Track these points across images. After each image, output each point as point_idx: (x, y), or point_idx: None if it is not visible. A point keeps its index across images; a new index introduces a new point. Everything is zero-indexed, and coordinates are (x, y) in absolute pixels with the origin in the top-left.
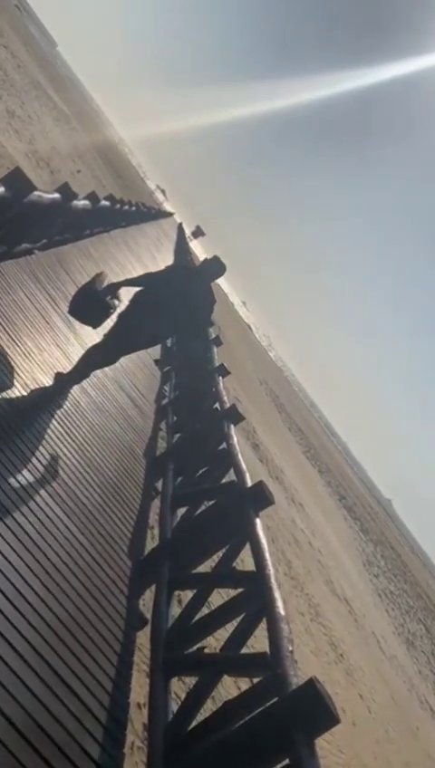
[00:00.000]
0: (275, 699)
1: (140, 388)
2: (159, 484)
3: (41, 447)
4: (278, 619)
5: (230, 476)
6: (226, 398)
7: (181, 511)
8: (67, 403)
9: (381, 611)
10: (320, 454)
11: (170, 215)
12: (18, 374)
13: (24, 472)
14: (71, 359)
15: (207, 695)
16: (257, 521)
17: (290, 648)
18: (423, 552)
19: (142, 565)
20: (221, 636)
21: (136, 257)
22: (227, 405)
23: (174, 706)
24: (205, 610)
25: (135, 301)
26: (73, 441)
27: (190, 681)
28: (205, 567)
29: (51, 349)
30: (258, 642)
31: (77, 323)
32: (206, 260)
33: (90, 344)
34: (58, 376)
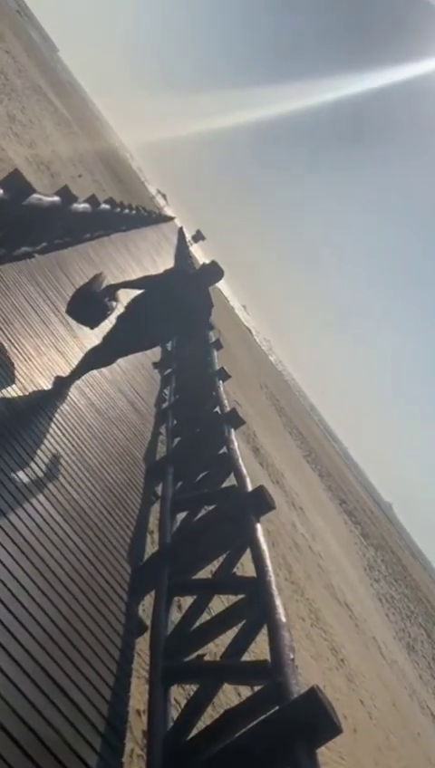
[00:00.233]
0: (277, 708)
1: (139, 391)
2: (159, 489)
3: (39, 451)
4: (279, 626)
5: (231, 481)
6: (226, 402)
7: (181, 515)
8: (66, 406)
9: (381, 616)
10: (320, 457)
11: (171, 219)
12: (17, 377)
13: (22, 475)
14: (70, 362)
15: (207, 703)
16: (258, 526)
17: (291, 656)
18: (424, 557)
19: (142, 570)
20: (222, 641)
21: (136, 261)
22: (228, 409)
23: (174, 713)
24: (205, 616)
25: (134, 303)
26: (72, 445)
27: (190, 687)
28: (205, 572)
29: (50, 352)
30: (258, 647)
31: (76, 326)
32: (204, 265)
33: (89, 347)
34: (57, 380)
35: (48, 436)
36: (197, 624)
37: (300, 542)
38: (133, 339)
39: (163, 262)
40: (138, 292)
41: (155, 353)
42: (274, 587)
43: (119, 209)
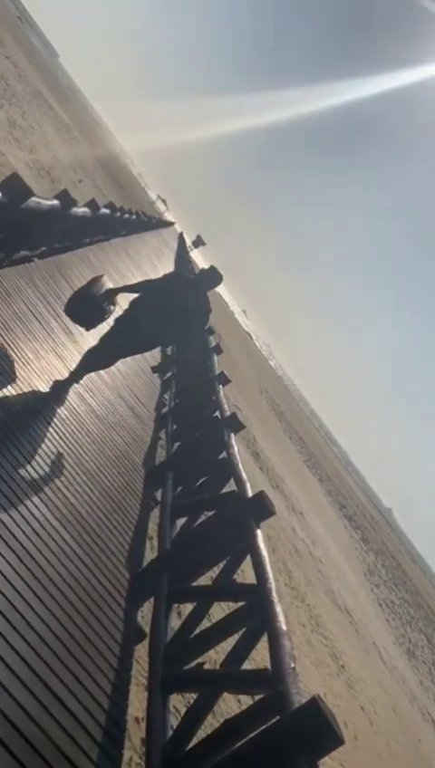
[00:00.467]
0: (277, 718)
1: (139, 396)
2: (159, 494)
3: (37, 455)
4: (280, 634)
5: (231, 486)
6: (226, 407)
7: (181, 521)
8: (64, 411)
9: (382, 621)
10: (320, 462)
11: (171, 224)
12: (16, 382)
13: (19, 480)
14: (69, 366)
15: (206, 712)
16: (258, 532)
17: (292, 665)
18: (424, 561)
19: (141, 577)
20: (222, 648)
21: (136, 266)
22: (228, 413)
23: (173, 721)
24: (205, 623)
25: (133, 306)
26: (71, 449)
27: (190, 695)
28: (205, 579)
29: (49, 356)
30: (259, 654)
31: (75, 330)
32: (203, 270)
33: (87, 349)
34: (56, 384)
35: (46, 440)
36: (196, 631)
37: (300, 547)
38: (132, 341)
39: (163, 267)
40: (137, 295)
41: (155, 358)
42: (274, 594)
43: (118, 214)
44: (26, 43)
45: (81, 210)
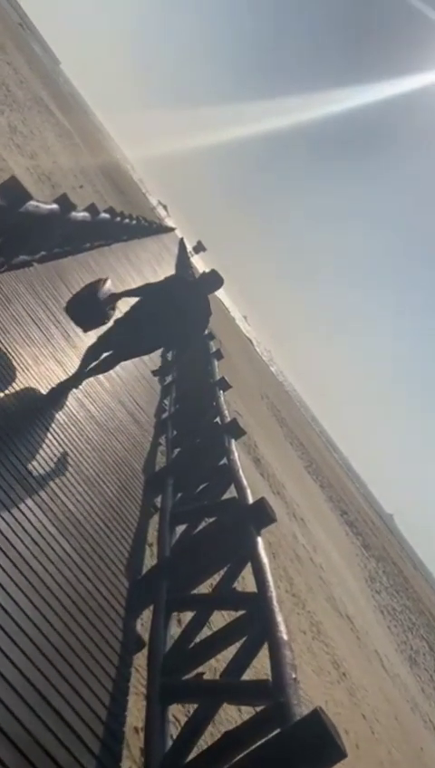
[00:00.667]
0: (278, 731)
1: (139, 401)
2: (158, 501)
3: (35, 462)
4: (280, 644)
5: (231, 492)
6: (226, 412)
7: (181, 528)
8: (63, 417)
9: (383, 628)
10: (321, 468)
11: (172, 230)
12: (15, 387)
13: (17, 487)
14: (68, 372)
15: (206, 723)
16: (259, 539)
17: (293, 676)
18: (425, 568)
19: (140, 585)
20: (223, 656)
21: (137, 271)
22: (228, 419)
23: (172, 729)
24: (205, 631)
25: (133, 309)
26: (69, 455)
27: (190, 704)
28: (205, 586)
29: (48, 362)
30: (259, 661)
31: (75, 335)
32: (204, 273)
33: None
34: (60, 386)
35: (44, 446)
36: (196, 640)
37: (301, 553)
38: (132, 343)
39: (164, 272)
40: (138, 299)
41: (155, 363)
42: (275, 603)
43: (119, 219)
44: (28, 50)
45: (80, 215)
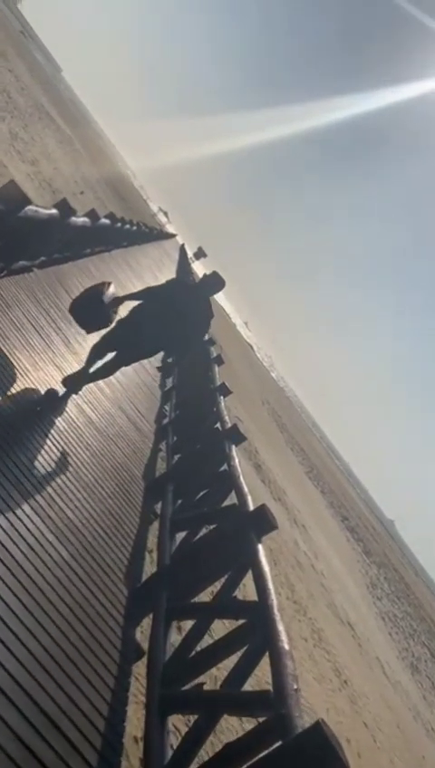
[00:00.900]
0: (280, 743)
1: (139, 407)
2: (158, 507)
3: (33, 469)
4: (282, 654)
5: (232, 499)
6: (227, 418)
7: (181, 535)
8: (63, 423)
9: (384, 635)
10: (322, 474)
11: (173, 236)
12: (14, 393)
13: (14, 494)
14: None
15: (206, 735)
16: (260, 547)
17: (295, 686)
18: (427, 575)
19: (139, 593)
20: (224, 664)
21: (138, 277)
22: (229, 425)
23: (173, 739)
24: (207, 639)
25: (135, 312)
26: (68, 461)
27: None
28: (206, 594)
29: (48, 368)
30: (260, 669)
31: (74, 341)
32: (205, 275)
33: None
34: (67, 383)
35: (43, 452)
36: (196, 649)
37: (302, 560)
38: (134, 345)
39: (165, 278)
40: (138, 302)
41: (158, 362)
42: (276, 612)
43: (119, 224)
44: (29, 58)
45: (80, 220)
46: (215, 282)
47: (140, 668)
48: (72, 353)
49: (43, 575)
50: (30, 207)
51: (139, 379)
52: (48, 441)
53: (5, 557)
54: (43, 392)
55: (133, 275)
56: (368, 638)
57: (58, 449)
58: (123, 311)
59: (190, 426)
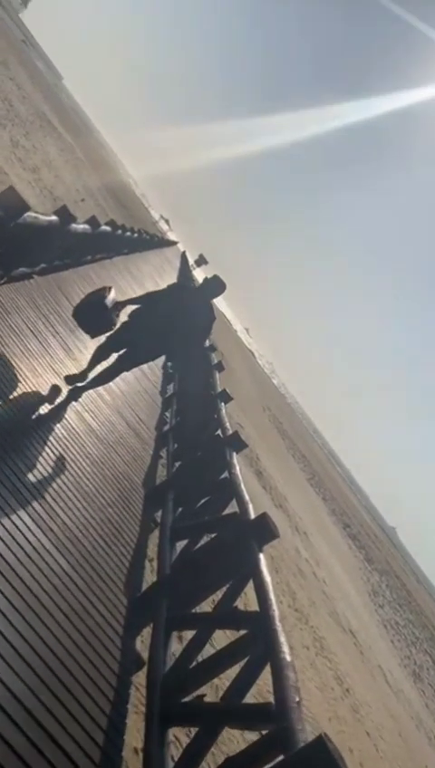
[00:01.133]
0: (282, 758)
1: (140, 414)
2: (159, 515)
3: (31, 475)
4: (283, 666)
5: (233, 507)
6: (228, 425)
7: (182, 544)
8: (62, 430)
9: (386, 643)
10: (324, 481)
11: (174, 243)
12: (12, 400)
13: (12, 502)
14: (66, 384)
15: (207, 748)
16: (261, 556)
17: (297, 699)
18: (429, 582)
19: (139, 602)
20: (226, 674)
21: (139, 284)
22: (230, 432)
23: (174, 750)
24: (208, 648)
25: (136, 316)
26: (67, 469)
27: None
28: (207, 603)
29: (48, 376)
30: (261, 678)
31: (74, 348)
32: (207, 278)
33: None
34: (70, 386)
35: (42, 460)
36: (197, 660)
37: (304, 567)
38: (136, 348)
39: (166, 285)
40: (137, 307)
41: (156, 375)
42: (277, 622)
43: (120, 231)
44: (30, 66)
45: (80, 227)
46: (216, 285)
47: (140, 678)
48: (71, 359)
49: (42, 585)
50: (29, 214)
51: (140, 386)
52: (47, 448)
53: (3, 567)
54: (42, 399)
55: (134, 282)
56: (370, 645)
57: (57, 457)
58: (124, 315)
59: (191, 433)
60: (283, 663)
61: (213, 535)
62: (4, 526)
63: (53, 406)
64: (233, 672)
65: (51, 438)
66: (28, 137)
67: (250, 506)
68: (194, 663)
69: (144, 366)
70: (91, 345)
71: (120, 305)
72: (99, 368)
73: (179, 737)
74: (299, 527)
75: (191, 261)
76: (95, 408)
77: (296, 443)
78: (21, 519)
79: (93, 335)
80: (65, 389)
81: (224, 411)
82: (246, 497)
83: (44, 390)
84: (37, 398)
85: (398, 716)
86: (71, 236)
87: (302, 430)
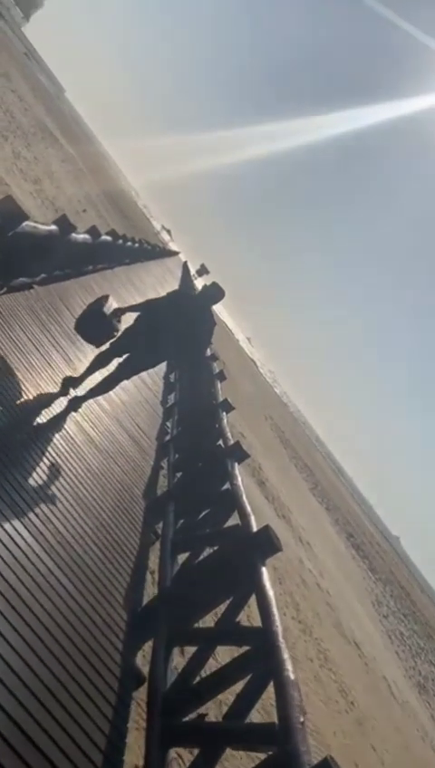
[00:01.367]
0: None
1: (140, 424)
2: (160, 527)
3: (29, 487)
4: (287, 684)
5: (235, 519)
6: (229, 435)
7: (183, 557)
8: (62, 441)
9: (391, 654)
10: (327, 490)
11: (176, 254)
12: (12, 410)
13: (10, 515)
14: (66, 395)
15: None
16: (264, 570)
17: (301, 719)
18: (433, 591)
19: (139, 617)
20: (230, 689)
21: (140, 294)
22: (231, 442)
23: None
24: (212, 663)
25: (137, 323)
26: (66, 481)
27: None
28: (210, 616)
29: (48, 386)
30: (265, 692)
31: (75, 358)
32: (206, 286)
33: (88, 385)
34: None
35: (41, 472)
36: (199, 677)
37: (307, 578)
38: (136, 355)
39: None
40: (138, 314)
41: (157, 383)
42: (281, 638)
43: (121, 241)
44: (32, 78)
45: (81, 237)
46: (215, 292)
47: (141, 694)
48: (72, 370)
49: (38, 599)
50: (28, 223)
51: (140, 395)
52: (46, 460)
53: (2, 585)
54: (42, 410)
55: (136, 292)
56: (374, 656)
57: (56, 468)
58: (124, 323)
59: (192, 443)
60: (286, 681)
61: (215, 548)
62: (3, 543)
63: (52, 416)
64: (237, 687)
65: (50, 450)
66: (30, 148)
67: (252, 518)
68: (196, 679)
69: (145, 375)
70: (93, 355)
71: (119, 312)
72: (98, 375)
73: (182, 753)
74: (302, 537)
75: (193, 271)
76: (95, 419)
77: (299, 452)
78: (18, 533)
79: (98, 344)
80: (65, 400)
81: (225, 421)
82: (248, 509)
83: (45, 400)
84: (37, 409)
85: (403, 729)
86: (71, 246)
87: (304, 439)
